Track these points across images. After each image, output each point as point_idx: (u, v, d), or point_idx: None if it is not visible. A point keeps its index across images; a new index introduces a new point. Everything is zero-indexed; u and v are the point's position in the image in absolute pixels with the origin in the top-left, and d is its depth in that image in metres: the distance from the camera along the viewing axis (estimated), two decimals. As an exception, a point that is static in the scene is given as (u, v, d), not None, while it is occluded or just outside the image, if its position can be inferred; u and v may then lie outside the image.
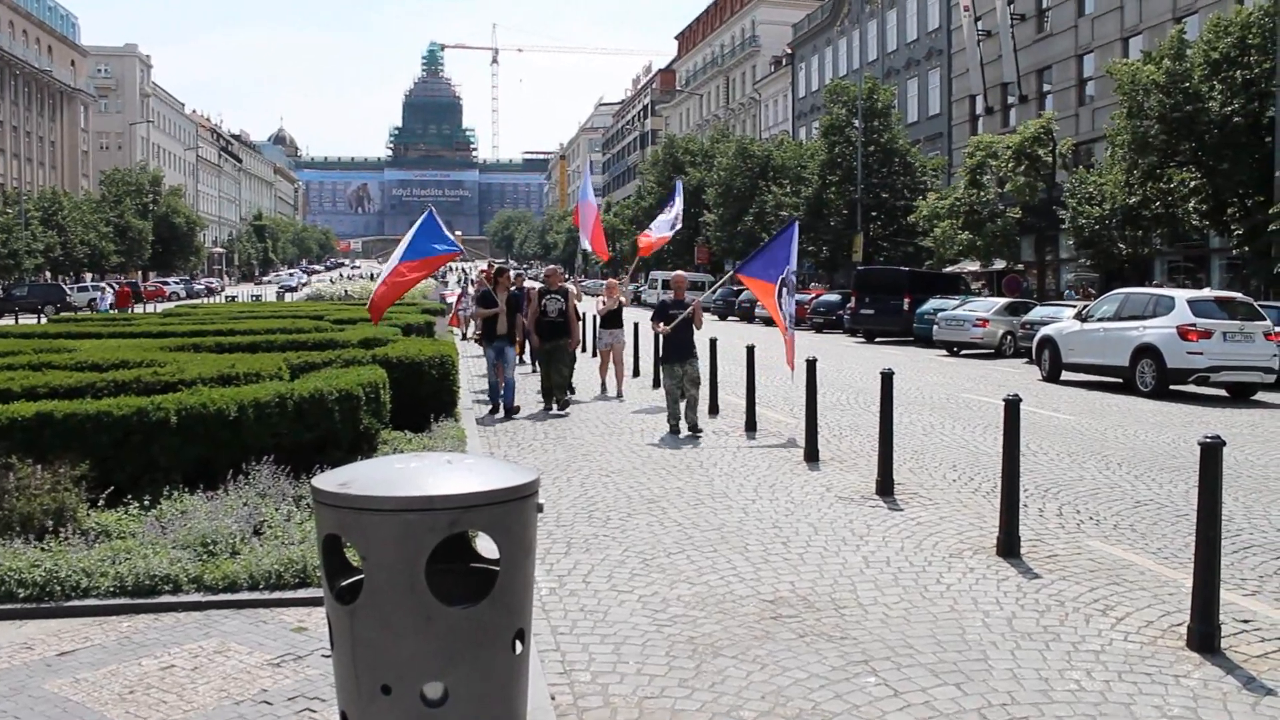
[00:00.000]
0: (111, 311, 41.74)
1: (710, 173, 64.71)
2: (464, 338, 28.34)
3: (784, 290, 13.12)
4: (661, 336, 13.69)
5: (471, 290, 31.07)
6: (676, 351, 13.18)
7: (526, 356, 19.92)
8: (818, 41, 70.13)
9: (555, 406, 15.21)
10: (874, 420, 10.60)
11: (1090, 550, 7.62)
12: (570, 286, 16.36)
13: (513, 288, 15.99)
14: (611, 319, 17.23)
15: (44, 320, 33.98)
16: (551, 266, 17.28)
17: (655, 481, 10.06)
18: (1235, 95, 26.37)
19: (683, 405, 13.09)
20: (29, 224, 61.15)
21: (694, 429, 12.99)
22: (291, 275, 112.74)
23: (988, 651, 5.57)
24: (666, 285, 63.59)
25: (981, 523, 8.35)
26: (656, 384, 17.07)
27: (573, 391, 16.23)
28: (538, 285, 18.60)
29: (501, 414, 14.64)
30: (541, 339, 15.32)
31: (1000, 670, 5.31)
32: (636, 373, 19.92)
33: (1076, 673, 5.29)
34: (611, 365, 17.26)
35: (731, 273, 15.03)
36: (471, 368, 20.86)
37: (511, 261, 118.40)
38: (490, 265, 20.61)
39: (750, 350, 14.09)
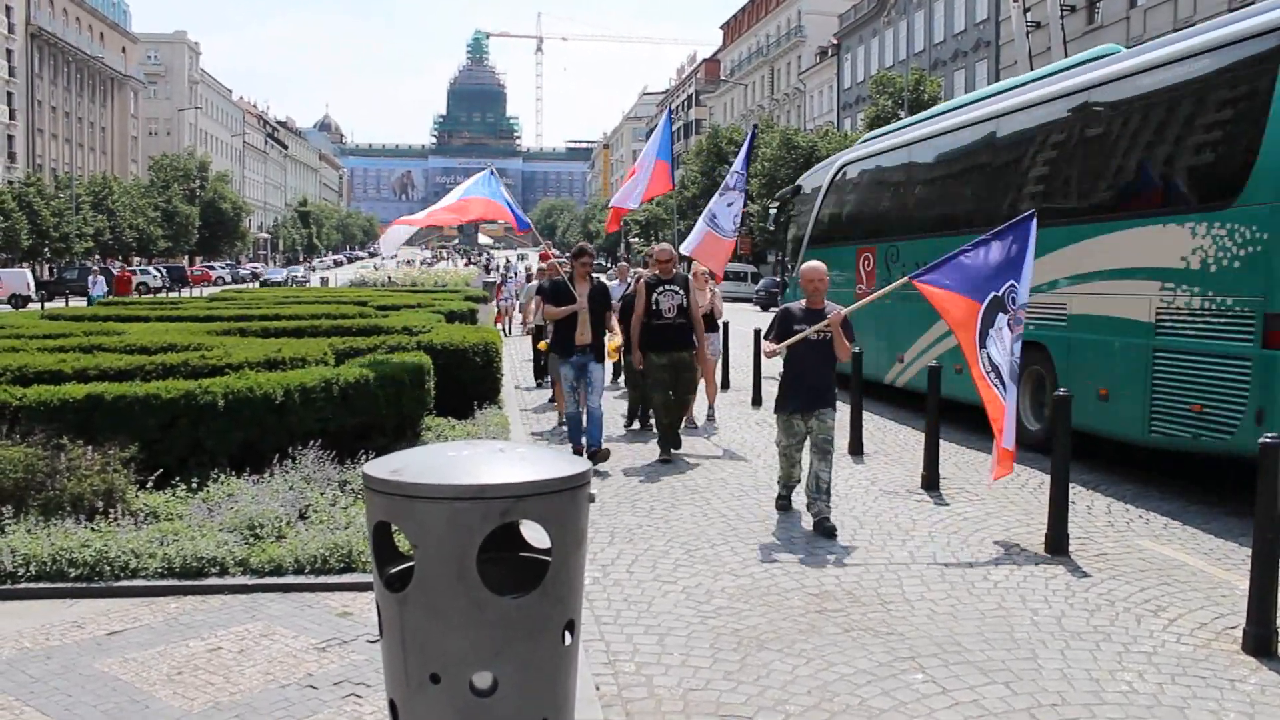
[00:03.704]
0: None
1: (754, 163, 64.51)
2: (508, 335, 26.20)
3: (997, 317, 7.64)
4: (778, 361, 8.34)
5: (515, 278, 30.27)
6: (800, 391, 8.06)
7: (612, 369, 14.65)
8: (864, 32, 69.59)
9: (673, 449, 10.82)
10: (918, 414, 10.46)
11: (1140, 549, 7.50)
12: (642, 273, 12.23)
13: (599, 277, 11.43)
14: (703, 321, 11.84)
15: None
16: (663, 246, 11.60)
17: (699, 473, 10.01)
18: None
19: (801, 474, 8.36)
20: (79, 208, 62.01)
21: (823, 525, 7.73)
22: (291, 266, 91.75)
23: (1037, 650, 5.49)
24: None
25: (1029, 519, 8.24)
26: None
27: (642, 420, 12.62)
28: (611, 277, 15.35)
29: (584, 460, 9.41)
30: (653, 349, 10.80)
31: (1050, 670, 5.23)
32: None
33: (1128, 674, 5.20)
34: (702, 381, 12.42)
35: (905, 278, 8.23)
36: (516, 373, 17.87)
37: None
38: (548, 249, 13.84)
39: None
